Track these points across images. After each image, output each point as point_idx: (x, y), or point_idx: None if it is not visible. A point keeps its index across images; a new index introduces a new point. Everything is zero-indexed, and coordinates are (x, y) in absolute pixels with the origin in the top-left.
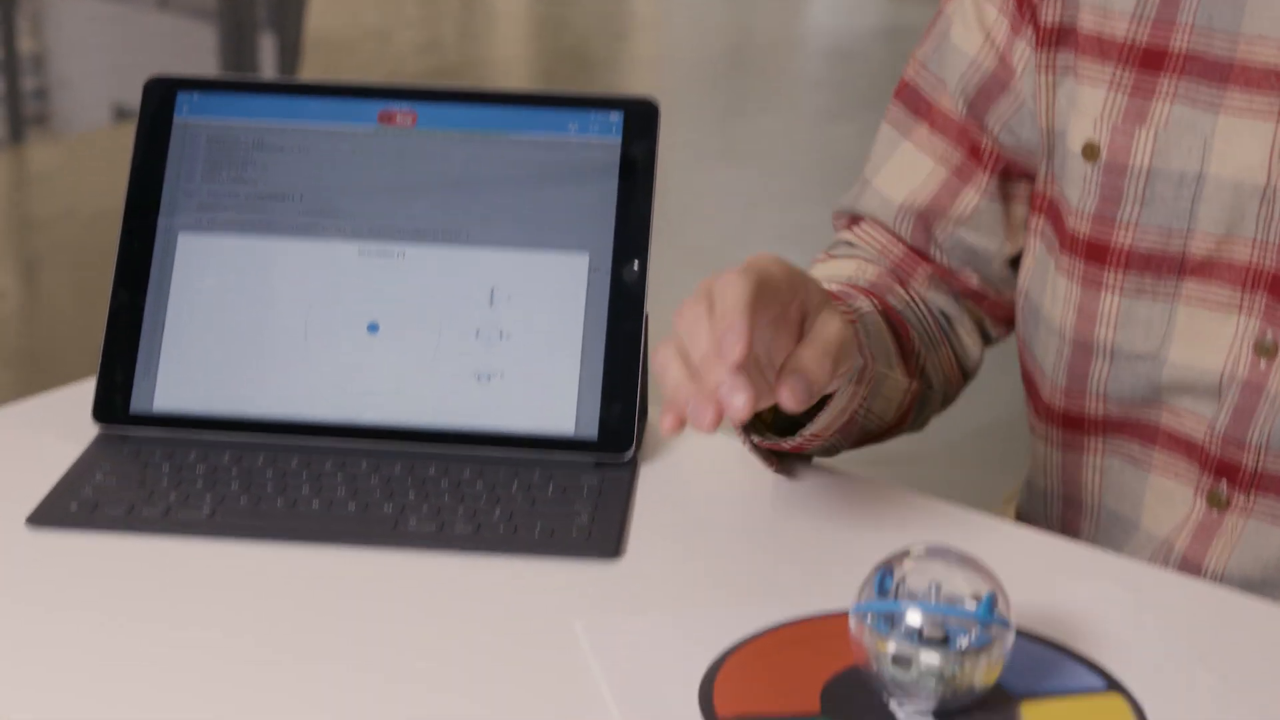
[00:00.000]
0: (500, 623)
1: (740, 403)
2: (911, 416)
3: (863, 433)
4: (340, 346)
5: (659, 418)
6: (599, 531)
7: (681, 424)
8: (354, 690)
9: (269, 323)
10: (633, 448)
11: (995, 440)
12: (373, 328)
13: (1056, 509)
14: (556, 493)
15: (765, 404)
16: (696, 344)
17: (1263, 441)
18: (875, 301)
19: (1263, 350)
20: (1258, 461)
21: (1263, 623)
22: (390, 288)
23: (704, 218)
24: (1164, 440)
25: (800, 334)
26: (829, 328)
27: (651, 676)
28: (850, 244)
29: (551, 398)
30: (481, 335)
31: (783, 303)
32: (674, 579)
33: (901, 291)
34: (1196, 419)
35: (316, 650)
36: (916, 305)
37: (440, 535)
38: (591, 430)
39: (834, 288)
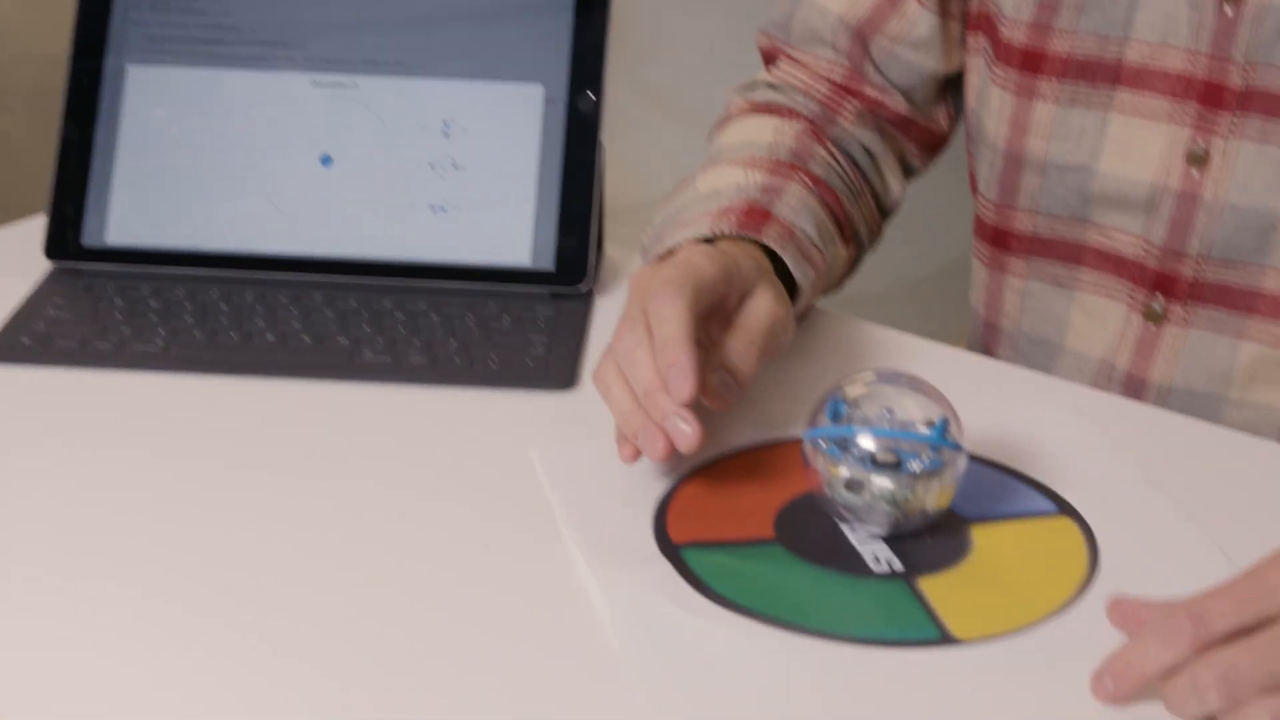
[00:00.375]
0: (456, 453)
1: (689, 432)
2: (848, 277)
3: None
4: (293, 179)
5: (617, 447)
6: (554, 362)
7: (639, 453)
8: (308, 520)
9: (221, 155)
10: (588, 279)
11: (957, 279)
12: (326, 160)
13: (979, 333)
14: (512, 324)
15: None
16: (638, 373)
17: (1204, 251)
18: (803, 179)
19: (1194, 160)
20: (1197, 272)
21: (1209, 444)
22: (343, 119)
23: (663, 58)
24: (1091, 259)
25: (729, 318)
26: (758, 312)
27: (606, 504)
28: (771, 85)
29: (507, 229)
30: (436, 167)
31: (720, 296)
32: None
33: (823, 151)
34: (1126, 235)
35: (270, 481)
36: (838, 161)
37: (395, 367)
38: (547, 262)
39: (756, 182)
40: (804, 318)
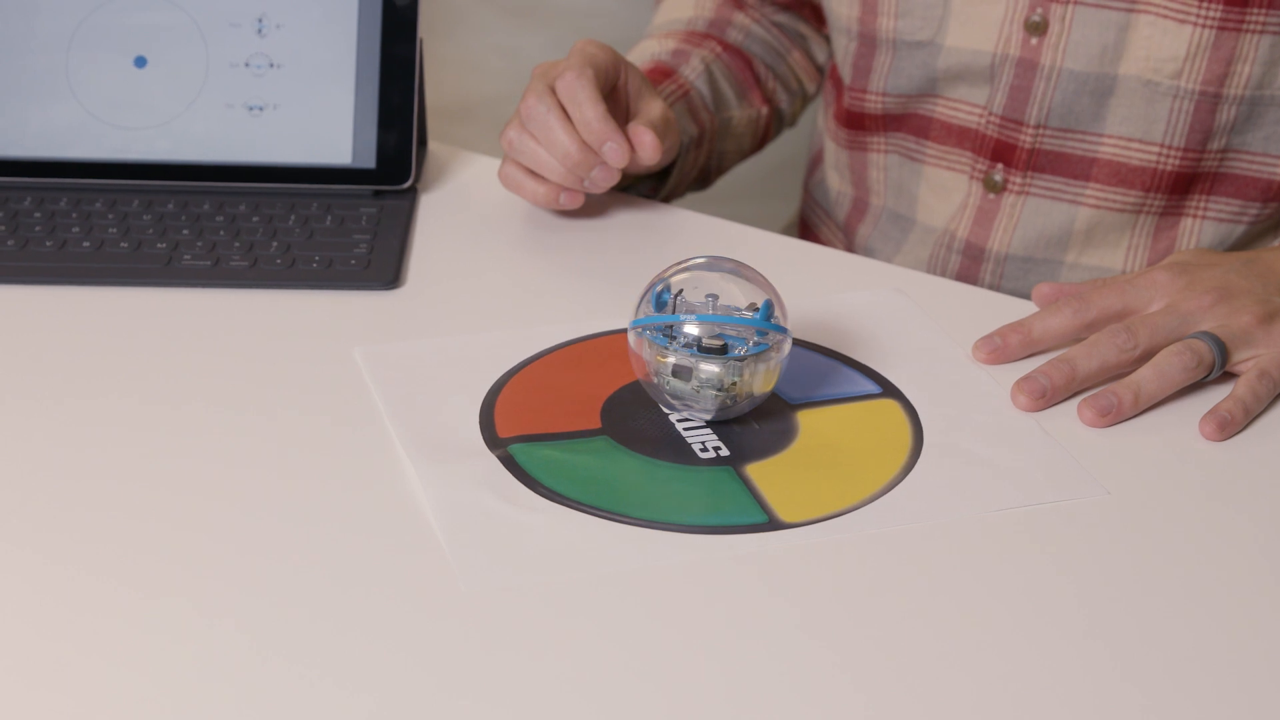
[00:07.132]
0: (279, 356)
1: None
2: (773, 132)
3: (719, 170)
4: (107, 82)
5: (551, 198)
6: (378, 261)
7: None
8: (130, 429)
9: (30, 59)
10: (411, 177)
11: (784, 176)
12: (140, 61)
13: (845, 208)
14: (335, 224)
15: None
16: (556, 144)
17: (1042, 119)
18: (714, 46)
19: (1033, 28)
20: (1035, 140)
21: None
22: (156, 19)
23: None
24: (937, 132)
25: (625, 113)
26: (653, 110)
27: (432, 400)
28: None
29: (327, 128)
30: (251, 66)
31: (613, 82)
32: (455, 306)
33: (743, 17)
34: (970, 106)
35: (93, 388)
36: (759, 25)
37: (215, 270)
38: (369, 160)
39: (668, 48)
40: (696, 178)
